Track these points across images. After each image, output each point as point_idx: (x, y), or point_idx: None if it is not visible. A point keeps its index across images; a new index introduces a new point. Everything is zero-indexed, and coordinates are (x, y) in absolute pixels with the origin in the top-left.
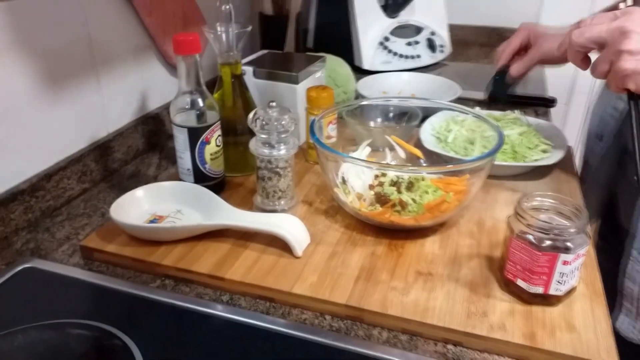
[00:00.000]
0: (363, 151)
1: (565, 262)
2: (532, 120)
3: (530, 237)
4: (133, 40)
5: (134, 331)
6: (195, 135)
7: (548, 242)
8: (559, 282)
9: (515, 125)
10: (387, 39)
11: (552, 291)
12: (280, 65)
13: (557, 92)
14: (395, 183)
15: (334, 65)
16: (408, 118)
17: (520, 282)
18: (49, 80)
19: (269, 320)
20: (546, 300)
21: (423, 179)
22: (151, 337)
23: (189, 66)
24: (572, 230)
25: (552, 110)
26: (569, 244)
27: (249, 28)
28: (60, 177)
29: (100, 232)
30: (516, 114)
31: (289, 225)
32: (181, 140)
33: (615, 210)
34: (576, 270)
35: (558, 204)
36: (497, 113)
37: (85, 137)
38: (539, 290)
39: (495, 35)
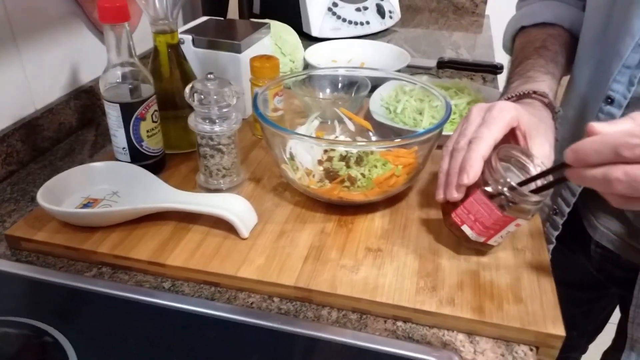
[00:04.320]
0: (312, 124)
1: (517, 225)
2: (482, 88)
3: (499, 198)
4: (57, 7)
5: (67, 326)
6: (128, 111)
7: (513, 206)
8: (501, 237)
9: (463, 94)
10: (335, 4)
11: (491, 242)
12: (222, 33)
13: (504, 58)
14: (344, 158)
15: (280, 32)
16: (357, 88)
17: (465, 229)
18: None
19: (214, 306)
20: (482, 246)
21: (372, 153)
22: (86, 331)
23: (118, 36)
24: (539, 200)
25: (500, 76)
26: (531, 211)
27: None
28: None
29: (28, 219)
30: (465, 82)
31: (234, 206)
32: (114, 117)
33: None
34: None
35: (531, 165)
36: (447, 82)
37: (8, 114)
38: (481, 239)
39: (445, 1)
